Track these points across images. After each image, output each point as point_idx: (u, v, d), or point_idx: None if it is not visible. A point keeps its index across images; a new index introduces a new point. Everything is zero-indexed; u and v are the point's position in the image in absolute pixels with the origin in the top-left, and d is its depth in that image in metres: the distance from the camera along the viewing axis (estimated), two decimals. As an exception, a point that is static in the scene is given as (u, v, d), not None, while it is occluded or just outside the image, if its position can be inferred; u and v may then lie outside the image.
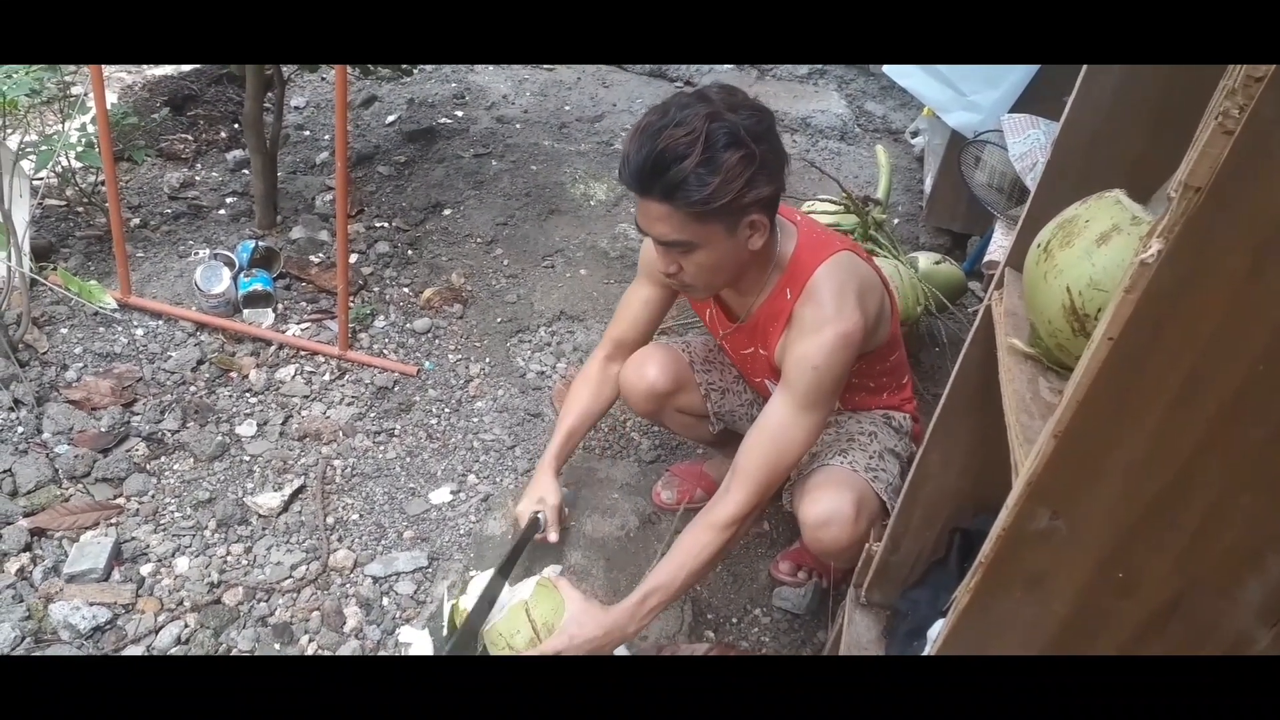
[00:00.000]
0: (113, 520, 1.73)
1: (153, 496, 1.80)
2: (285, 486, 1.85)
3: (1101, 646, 0.73)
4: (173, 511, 1.78)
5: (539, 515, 1.65)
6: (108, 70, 3.31)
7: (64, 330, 2.13)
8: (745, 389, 1.75)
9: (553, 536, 1.65)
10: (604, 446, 2.08)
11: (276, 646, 1.56)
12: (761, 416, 1.41)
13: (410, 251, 2.64)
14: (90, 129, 2.27)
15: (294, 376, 2.14)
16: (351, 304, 2.29)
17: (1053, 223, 0.88)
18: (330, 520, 1.81)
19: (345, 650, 1.57)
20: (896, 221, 3.07)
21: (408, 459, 1.99)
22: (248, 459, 1.92)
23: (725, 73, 4.13)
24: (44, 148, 2.11)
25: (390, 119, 3.41)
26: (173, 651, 1.53)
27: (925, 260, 2.41)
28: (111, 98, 3.13)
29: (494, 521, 1.84)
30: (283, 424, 2.01)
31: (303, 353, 2.21)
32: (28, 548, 1.65)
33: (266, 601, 1.63)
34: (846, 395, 1.62)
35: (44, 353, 2.06)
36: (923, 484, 1.25)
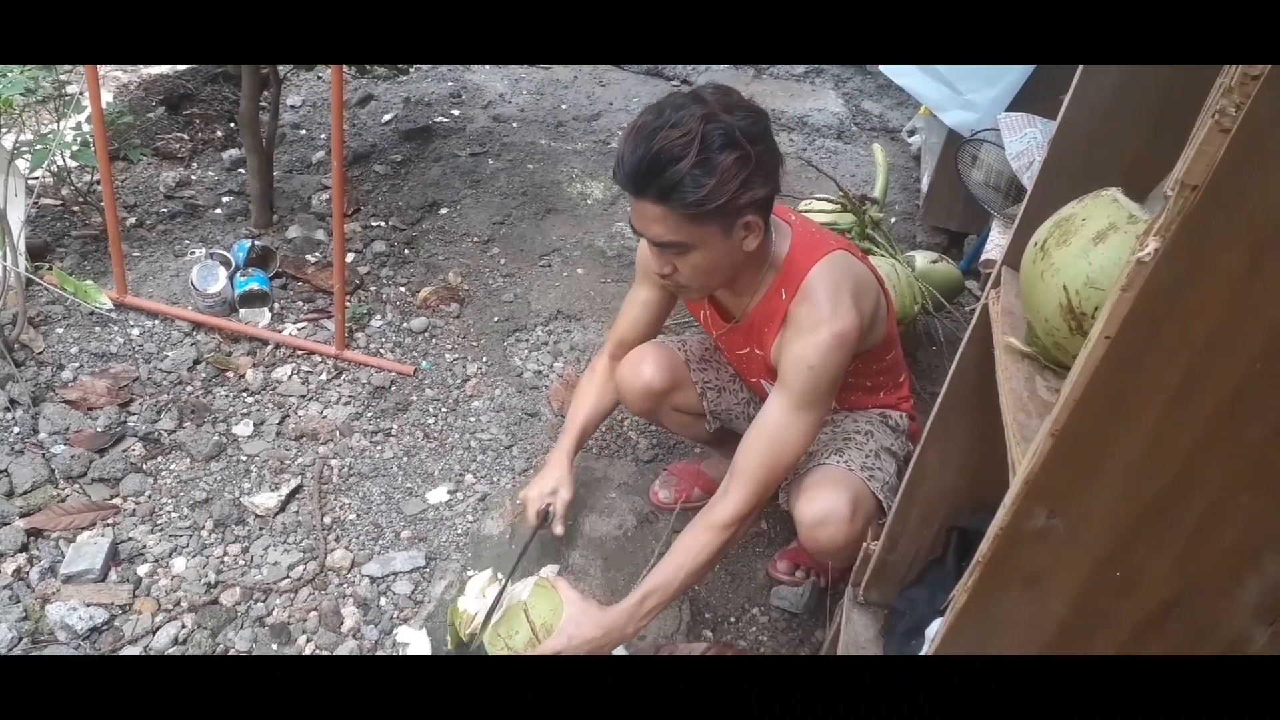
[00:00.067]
0: (109, 520, 1.73)
1: (149, 497, 1.80)
2: (282, 486, 1.85)
3: (1100, 646, 0.73)
4: (169, 512, 1.78)
5: (549, 508, 1.65)
6: (103, 69, 3.31)
7: (60, 330, 2.13)
8: (742, 388, 1.75)
9: (558, 529, 1.65)
10: (601, 446, 2.08)
11: (274, 647, 1.56)
12: (759, 417, 1.41)
13: (407, 251, 2.64)
14: (86, 128, 2.27)
15: (291, 376, 2.14)
16: (348, 303, 2.28)
17: (1049, 221, 0.88)
18: (327, 520, 1.81)
19: (343, 650, 1.57)
20: (893, 220, 3.07)
21: (405, 459, 1.99)
22: (244, 459, 1.92)
23: (722, 71, 4.13)
24: (39, 147, 2.11)
25: (386, 118, 3.40)
26: (170, 652, 1.53)
27: (922, 259, 2.41)
28: (107, 97, 3.12)
29: (491, 521, 1.84)
30: (279, 424, 2.01)
31: (299, 352, 2.20)
32: (24, 548, 1.64)
33: (264, 602, 1.63)
34: (843, 394, 1.62)
35: (40, 352, 2.05)
36: (920, 483, 1.25)
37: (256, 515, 1.79)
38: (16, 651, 1.48)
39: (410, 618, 1.64)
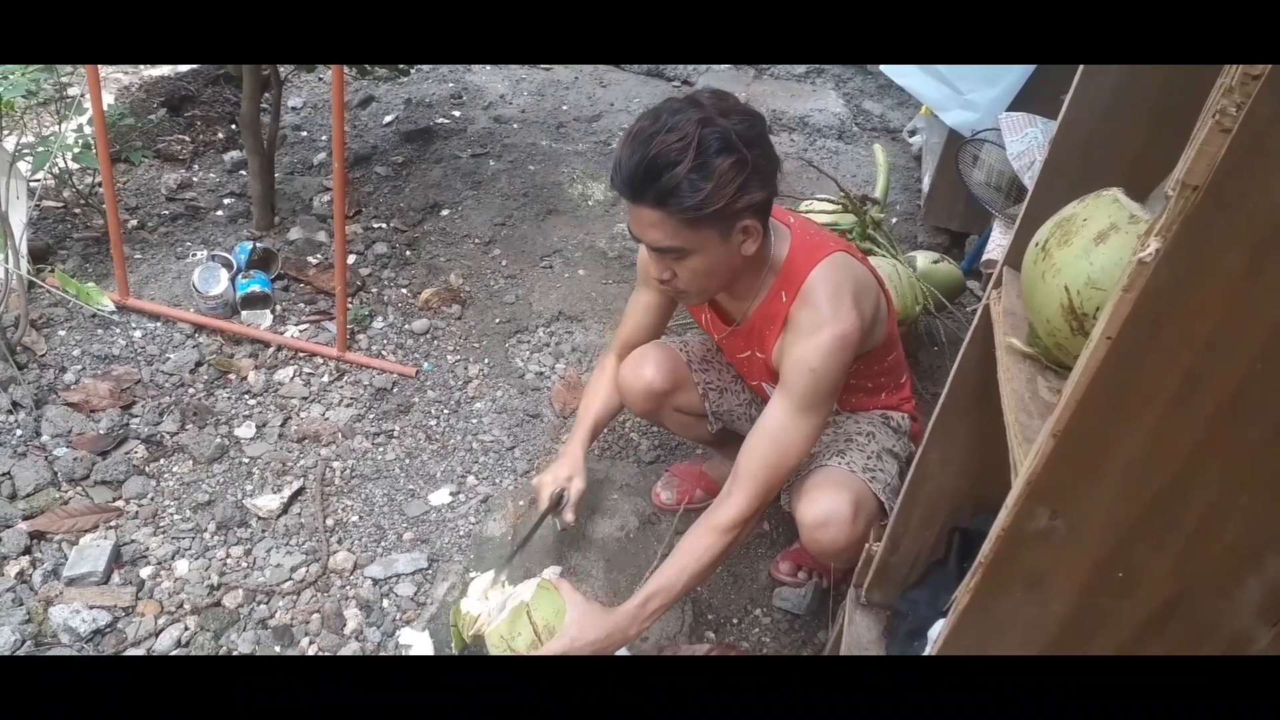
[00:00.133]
0: (112, 523, 1.73)
1: (152, 499, 1.80)
2: (284, 488, 1.85)
3: (1101, 646, 0.73)
4: (172, 514, 1.78)
5: (564, 492, 1.65)
6: (104, 71, 3.32)
7: (62, 332, 2.13)
8: (744, 388, 1.75)
9: (569, 517, 1.64)
10: (603, 447, 2.08)
11: (277, 649, 1.56)
12: (761, 419, 1.41)
13: (408, 252, 2.64)
14: (87, 130, 2.27)
15: (292, 378, 2.14)
16: (350, 305, 2.29)
17: (1050, 221, 0.88)
18: (330, 522, 1.81)
19: (345, 652, 1.57)
20: (895, 220, 3.07)
21: (407, 460, 1.99)
22: (247, 461, 1.92)
23: (723, 72, 4.13)
24: (41, 149, 2.11)
25: (387, 119, 3.41)
26: (173, 654, 1.53)
27: (923, 259, 2.41)
28: (108, 99, 3.13)
29: (493, 522, 1.84)
30: (281, 426, 2.01)
31: (301, 354, 2.21)
32: (27, 551, 1.65)
33: (266, 604, 1.63)
34: (844, 396, 1.62)
35: (42, 355, 2.05)
36: (922, 484, 1.25)
37: (259, 517, 1.79)
38: (20, 654, 1.48)
39: (413, 619, 1.64)
